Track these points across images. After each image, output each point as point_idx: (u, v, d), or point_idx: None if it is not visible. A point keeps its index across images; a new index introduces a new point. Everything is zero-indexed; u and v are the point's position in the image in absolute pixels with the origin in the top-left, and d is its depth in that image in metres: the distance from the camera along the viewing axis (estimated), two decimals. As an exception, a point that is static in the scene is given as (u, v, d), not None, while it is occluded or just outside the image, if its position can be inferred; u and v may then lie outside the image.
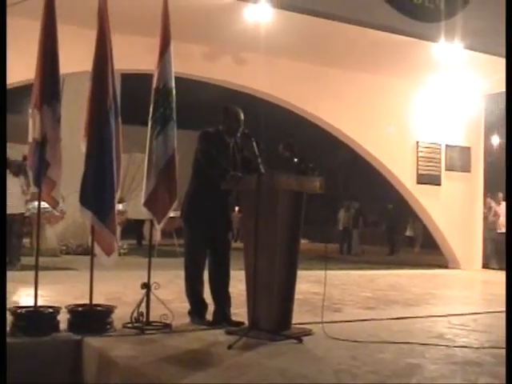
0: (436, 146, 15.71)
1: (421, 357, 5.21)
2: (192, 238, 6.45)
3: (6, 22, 5.52)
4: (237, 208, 16.45)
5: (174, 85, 6.26)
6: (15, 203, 11.81)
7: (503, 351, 5.45)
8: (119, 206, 14.18)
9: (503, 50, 11.49)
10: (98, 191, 5.86)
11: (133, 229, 21.14)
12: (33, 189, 6.62)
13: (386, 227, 24.26)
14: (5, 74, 5.50)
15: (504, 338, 6.09)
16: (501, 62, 12.08)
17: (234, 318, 6.29)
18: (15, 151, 12.48)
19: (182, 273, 6.49)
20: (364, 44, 11.80)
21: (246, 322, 5.88)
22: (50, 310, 5.83)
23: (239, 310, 6.26)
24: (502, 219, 16.56)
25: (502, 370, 4.77)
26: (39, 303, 5.86)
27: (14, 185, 11.74)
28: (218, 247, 6.36)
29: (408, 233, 27.77)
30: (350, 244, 23.02)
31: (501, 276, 14.24)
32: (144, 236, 20.79)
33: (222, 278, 6.37)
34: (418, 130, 15.48)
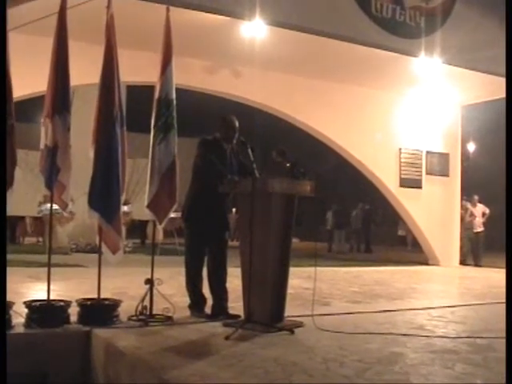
0: (417, 152, 15.74)
1: (403, 346, 5.22)
2: (192, 237, 6.46)
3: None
4: (234, 209, 16.45)
5: (174, 96, 6.29)
6: None
7: (478, 340, 5.52)
8: (124, 208, 14.16)
9: (478, 65, 11.64)
10: (104, 194, 5.87)
11: (137, 229, 21.14)
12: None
13: (363, 227, 24.17)
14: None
15: (479, 328, 6.17)
16: (476, 76, 12.21)
17: (230, 311, 6.29)
18: (30, 157, 12.49)
19: (182, 269, 6.49)
20: (351, 58, 11.82)
21: (242, 315, 5.90)
22: (62, 304, 5.84)
23: (236, 304, 6.26)
24: (478, 220, 16.67)
25: (477, 358, 4.82)
26: (51, 297, 5.87)
27: None
28: (216, 245, 6.36)
29: (400, 232, 27.90)
30: (336, 243, 23.06)
31: (476, 272, 14.34)
32: (147, 235, 20.76)
33: (219, 274, 6.37)
34: (401, 137, 15.52)
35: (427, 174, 15.85)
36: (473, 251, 16.73)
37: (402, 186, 15.44)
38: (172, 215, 6.36)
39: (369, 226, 24.28)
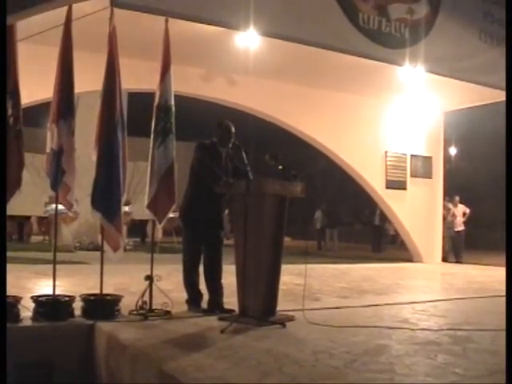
0: (402, 155, 15.76)
1: (388, 338, 5.25)
2: (189, 236, 6.47)
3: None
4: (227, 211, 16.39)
5: (173, 102, 6.30)
6: None
7: (458, 332, 5.55)
8: (126, 208, 14.17)
9: (460, 74, 11.66)
10: (106, 195, 5.88)
11: (138, 228, 21.11)
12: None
13: (373, 229, 23.75)
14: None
15: (459, 321, 6.20)
16: (458, 84, 12.24)
17: (225, 306, 6.29)
18: (37, 160, 12.45)
19: (180, 266, 6.50)
20: (340, 67, 11.82)
21: (237, 310, 5.91)
22: (66, 299, 5.85)
23: (230, 299, 6.25)
24: (459, 219, 16.74)
25: (457, 348, 4.84)
26: (57, 292, 5.88)
27: None
28: (212, 244, 6.37)
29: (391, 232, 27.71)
30: (325, 241, 23.01)
31: (457, 268, 14.38)
32: (147, 234, 20.73)
33: (215, 270, 6.38)
34: (387, 141, 15.53)
35: (411, 176, 15.87)
36: (454, 249, 16.80)
37: (388, 187, 15.46)
38: (171, 215, 6.36)
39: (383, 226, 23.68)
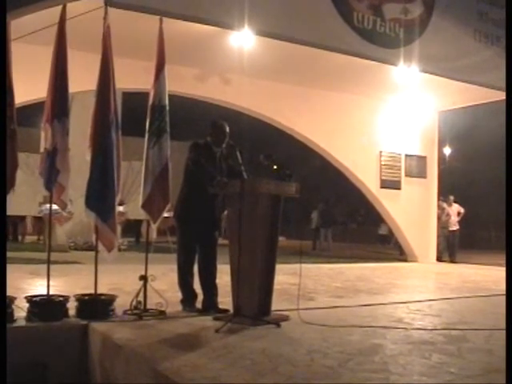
0: (396, 155, 15.77)
1: (383, 338, 5.25)
2: (184, 236, 6.46)
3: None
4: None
5: (167, 102, 6.29)
6: None
7: (453, 332, 5.56)
8: (120, 208, 14.14)
9: (454, 73, 11.69)
10: (100, 195, 5.87)
11: (132, 228, 21.09)
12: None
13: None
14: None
15: (454, 321, 6.21)
16: (452, 84, 12.27)
17: (220, 305, 6.29)
18: (31, 159, 12.44)
19: (175, 266, 6.49)
20: (334, 67, 11.84)
21: (231, 310, 5.90)
22: (61, 299, 5.84)
23: (225, 299, 6.25)
24: (453, 219, 16.77)
25: (452, 348, 4.85)
26: (51, 292, 5.87)
27: None
28: (206, 243, 6.36)
29: (381, 231, 27.50)
30: (320, 241, 23.00)
31: (451, 268, 14.40)
32: (142, 234, 20.70)
33: (209, 270, 6.37)
34: (381, 141, 15.55)
35: (406, 175, 15.89)
36: (448, 248, 16.83)
37: (382, 187, 15.47)
38: (165, 215, 6.35)
39: None
